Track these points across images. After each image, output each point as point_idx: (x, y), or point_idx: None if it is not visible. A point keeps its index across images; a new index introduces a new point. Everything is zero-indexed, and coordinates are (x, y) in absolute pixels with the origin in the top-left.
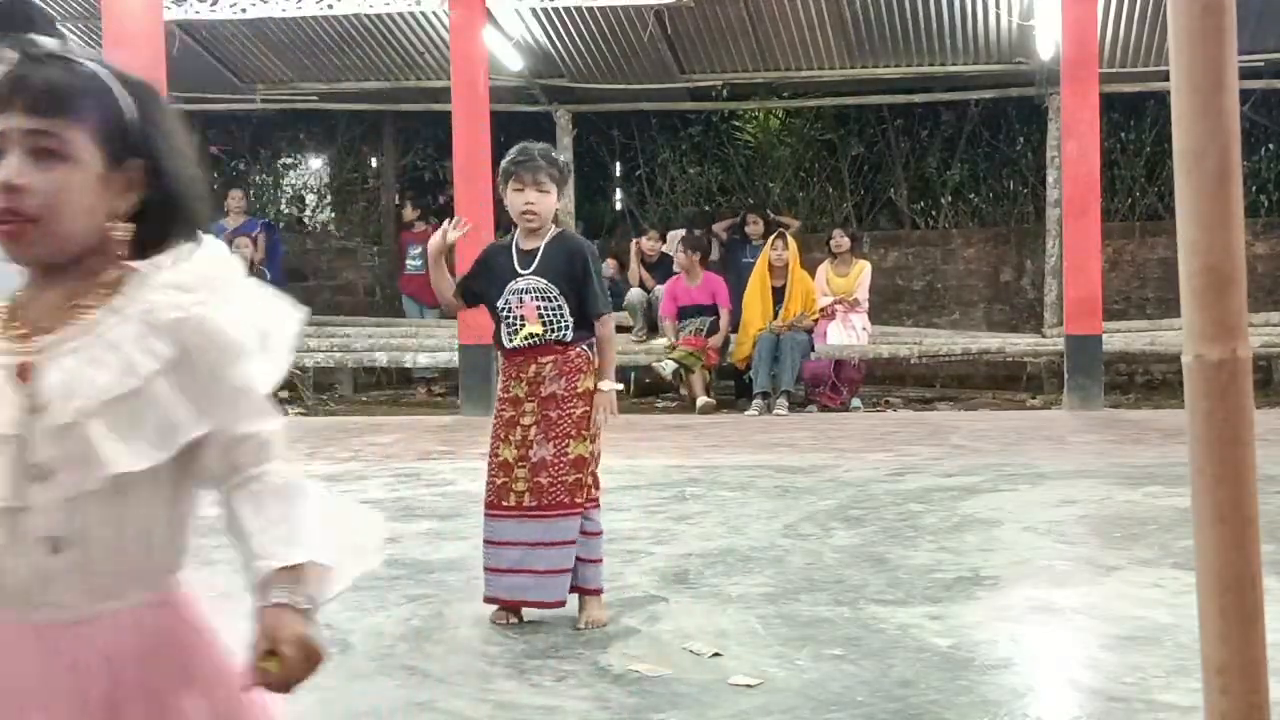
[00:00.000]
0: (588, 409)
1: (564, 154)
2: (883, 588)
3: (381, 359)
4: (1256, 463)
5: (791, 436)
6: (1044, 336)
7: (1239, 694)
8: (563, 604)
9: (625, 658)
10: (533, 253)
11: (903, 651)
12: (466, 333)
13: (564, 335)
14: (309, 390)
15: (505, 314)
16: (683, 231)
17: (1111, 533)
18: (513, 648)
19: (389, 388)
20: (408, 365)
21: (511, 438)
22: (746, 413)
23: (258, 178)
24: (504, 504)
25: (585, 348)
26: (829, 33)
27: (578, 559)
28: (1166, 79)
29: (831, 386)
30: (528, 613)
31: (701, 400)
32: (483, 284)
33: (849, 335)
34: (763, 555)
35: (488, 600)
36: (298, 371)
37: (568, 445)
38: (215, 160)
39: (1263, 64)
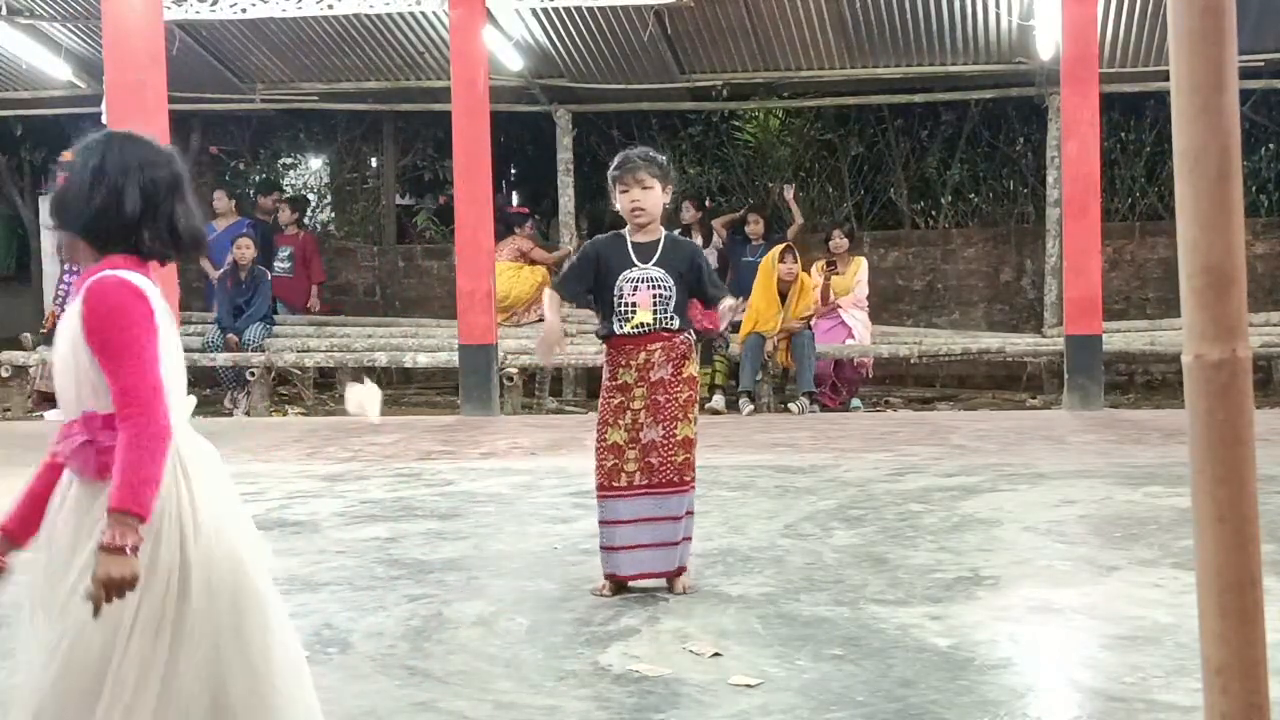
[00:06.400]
0: (692, 393)
1: (564, 154)
2: (883, 588)
3: (381, 359)
4: (1256, 463)
5: (791, 436)
6: (1044, 336)
7: (1239, 694)
8: (678, 573)
9: (625, 658)
10: (651, 246)
11: (903, 651)
12: (466, 333)
13: (670, 323)
14: (309, 390)
15: (617, 301)
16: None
17: (1111, 533)
18: (513, 648)
19: (389, 388)
20: (407, 365)
21: (621, 422)
22: (745, 412)
23: (258, 178)
24: (615, 484)
25: (688, 335)
26: (829, 33)
27: (686, 539)
28: (1166, 79)
29: (831, 386)
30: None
31: (714, 400)
32: (592, 277)
33: (860, 330)
34: (763, 555)
35: (608, 577)
36: (297, 371)
37: (676, 427)
38: (215, 160)
39: (1263, 64)
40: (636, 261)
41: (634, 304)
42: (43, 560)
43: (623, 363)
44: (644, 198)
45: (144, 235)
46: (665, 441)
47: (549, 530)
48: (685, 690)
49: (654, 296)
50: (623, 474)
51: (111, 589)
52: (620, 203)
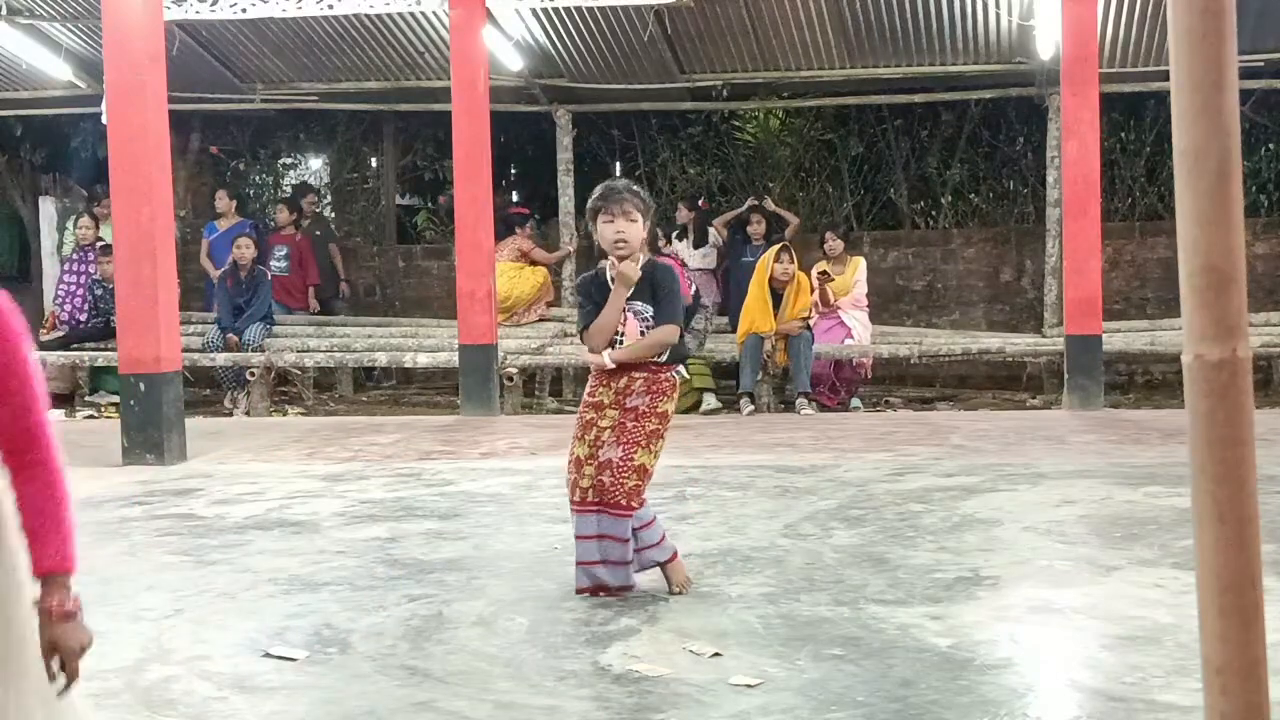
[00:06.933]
0: (659, 427)
1: (564, 154)
2: (883, 588)
3: (381, 359)
4: (1256, 463)
5: (791, 436)
6: (1044, 336)
7: (1239, 694)
8: (631, 589)
9: (625, 658)
10: None
11: (903, 651)
12: (466, 333)
13: (659, 357)
14: (309, 390)
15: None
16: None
17: (1111, 533)
18: (513, 648)
19: (389, 388)
20: (408, 365)
21: (586, 437)
22: (744, 413)
23: (257, 178)
24: (572, 499)
25: (674, 374)
26: (829, 33)
27: (646, 547)
28: (1166, 79)
29: (831, 386)
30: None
31: (706, 400)
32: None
33: (859, 330)
34: (763, 555)
35: (579, 592)
36: (297, 371)
37: (635, 452)
38: (215, 160)
39: (1263, 64)
40: None
41: (622, 334)
42: None
43: (603, 382)
44: (628, 230)
45: None
46: (621, 463)
47: (549, 530)
48: (685, 690)
49: (641, 327)
50: (578, 489)
51: (80, 658)
52: (604, 233)
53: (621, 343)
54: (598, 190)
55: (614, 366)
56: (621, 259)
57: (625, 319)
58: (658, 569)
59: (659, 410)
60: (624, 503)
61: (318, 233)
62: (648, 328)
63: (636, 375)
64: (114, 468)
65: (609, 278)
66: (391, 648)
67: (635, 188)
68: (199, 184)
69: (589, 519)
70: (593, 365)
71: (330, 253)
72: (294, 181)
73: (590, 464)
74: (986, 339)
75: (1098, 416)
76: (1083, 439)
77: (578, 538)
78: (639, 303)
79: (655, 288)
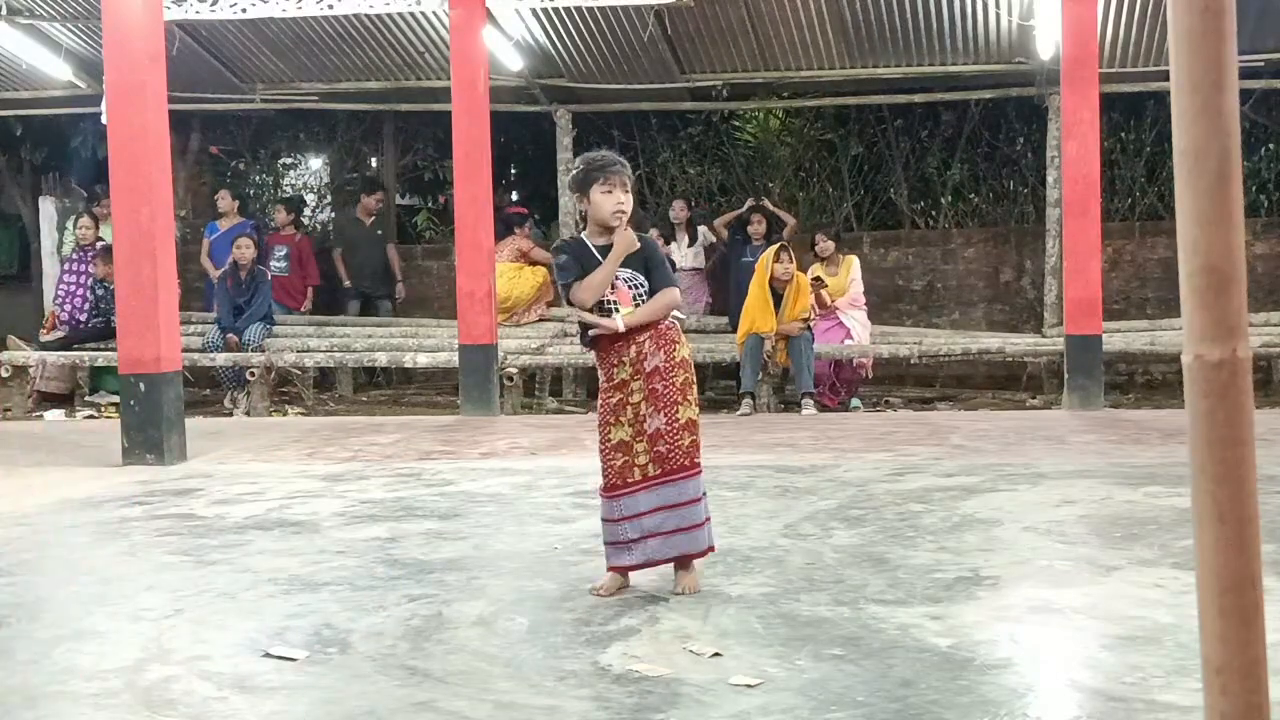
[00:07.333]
0: (688, 375)
1: (564, 154)
2: (883, 588)
3: (381, 359)
4: (1256, 463)
5: (791, 436)
6: (1044, 336)
7: (1239, 694)
8: (710, 550)
9: (625, 658)
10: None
11: (903, 651)
12: (466, 333)
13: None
14: (309, 390)
15: (601, 303)
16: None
17: (1111, 533)
18: (513, 648)
19: (389, 388)
20: (407, 365)
21: (623, 418)
22: (739, 413)
23: (257, 178)
24: (629, 481)
25: (673, 320)
26: (829, 33)
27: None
28: (1166, 79)
29: (831, 386)
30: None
31: None
32: (575, 276)
33: (858, 330)
34: (763, 555)
35: (613, 569)
36: (297, 371)
37: (677, 411)
38: (215, 160)
39: (1263, 64)
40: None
41: (615, 301)
42: None
43: (615, 361)
44: (626, 201)
45: None
46: (669, 428)
47: (549, 530)
48: (685, 690)
49: (633, 294)
50: (635, 469)
51: None
52: (603, 203)
53: (615, 308)
54: (590, 160)
55: (624, 330)
56: (608, 229)
57: (615, 287)
58: (665, 566)
59: (677, 359)
60: (687, 462)
61: (379, 231)
62: (638, 293)
63: (641, 338)
64: (114, 468)
65: (591, 245)
66: (391, 648)
67: (624, 160)
68: (199, 184)
69: (656, 492)
70: (602, 331)
71: (389, 254)
72: (293, 181)
73: (640, 441)
74: (986, 339)
75: (1098, 416)
76: (1083, 439)
77: (636, 516)
78: (627, 270)
79: (646, 257)
